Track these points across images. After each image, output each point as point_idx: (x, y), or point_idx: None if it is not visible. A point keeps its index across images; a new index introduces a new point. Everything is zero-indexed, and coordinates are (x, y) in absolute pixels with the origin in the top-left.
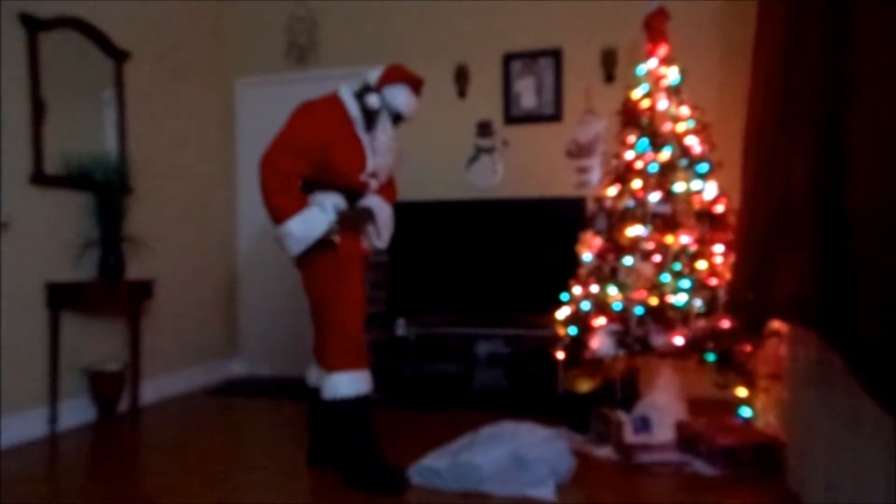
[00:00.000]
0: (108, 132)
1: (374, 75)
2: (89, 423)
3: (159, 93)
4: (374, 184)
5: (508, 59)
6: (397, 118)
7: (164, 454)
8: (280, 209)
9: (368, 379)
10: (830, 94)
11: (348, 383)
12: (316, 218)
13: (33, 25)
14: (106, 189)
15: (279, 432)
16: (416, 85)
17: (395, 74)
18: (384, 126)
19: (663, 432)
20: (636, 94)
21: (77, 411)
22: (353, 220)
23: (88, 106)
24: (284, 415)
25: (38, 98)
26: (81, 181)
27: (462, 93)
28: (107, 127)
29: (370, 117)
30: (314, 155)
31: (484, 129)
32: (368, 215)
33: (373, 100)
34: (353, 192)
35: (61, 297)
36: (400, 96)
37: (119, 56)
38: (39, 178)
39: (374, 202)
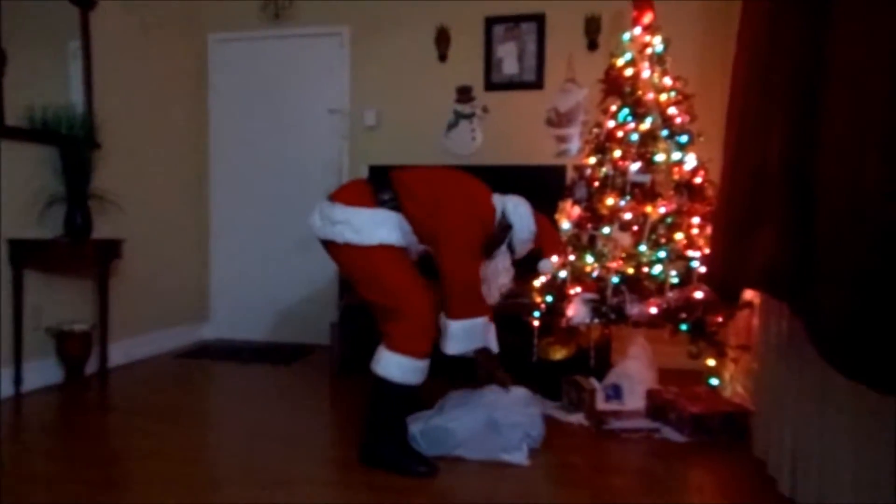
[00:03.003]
0: (75, 85)
1: (526, 230)
2: (56, 384)
3: (129, 45)
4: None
5: (491, 22)
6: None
7: (134, 415)
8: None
9: (422, 371)
10: (809, 67)
11: (400, 368)
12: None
13: None
14: (71, 143)
15: (250, 393)
16: None
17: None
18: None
19: (634, 400)
20: (620, 61)
21: (43, 372)
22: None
23: (53, 57)
24: (255, 377)
25: None
26: (46, 135)
27: (443, 56)
28: (73, 79)
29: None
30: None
31: (464, 94)
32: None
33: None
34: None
35: (24, 255)
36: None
37: (84, 4)
38: (0, 130)
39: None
